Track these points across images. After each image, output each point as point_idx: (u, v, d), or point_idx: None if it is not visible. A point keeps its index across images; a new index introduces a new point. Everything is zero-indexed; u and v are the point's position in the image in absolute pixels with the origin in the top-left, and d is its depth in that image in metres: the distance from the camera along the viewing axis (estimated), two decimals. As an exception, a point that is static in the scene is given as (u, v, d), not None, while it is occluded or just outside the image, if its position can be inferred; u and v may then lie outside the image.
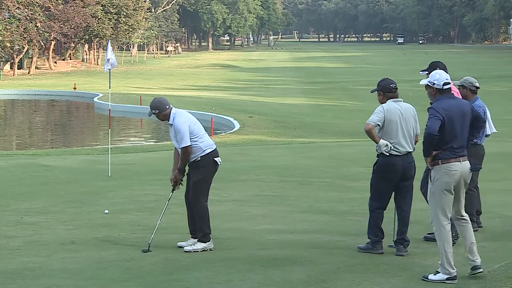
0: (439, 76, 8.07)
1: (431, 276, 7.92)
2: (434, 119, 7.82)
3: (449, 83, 8.09)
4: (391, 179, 8.96)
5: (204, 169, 9.17)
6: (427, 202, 9.13)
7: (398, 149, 8.98)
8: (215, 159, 9.26)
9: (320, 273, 8.16)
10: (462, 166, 8.01)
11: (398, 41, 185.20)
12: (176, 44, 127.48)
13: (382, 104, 9.12)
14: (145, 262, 8.64)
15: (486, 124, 10.69)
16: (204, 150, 9.18)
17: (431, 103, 8.03)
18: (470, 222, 8.23)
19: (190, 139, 9.10)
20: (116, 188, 14.60)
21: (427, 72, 9.98)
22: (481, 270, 7.95)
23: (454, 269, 7.87)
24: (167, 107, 9.24)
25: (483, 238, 10.00)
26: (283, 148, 22.33)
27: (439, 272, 7.92)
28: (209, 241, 9.13)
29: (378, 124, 8.97)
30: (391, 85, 9.18)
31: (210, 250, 9.10)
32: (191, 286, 7.72)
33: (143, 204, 12.74)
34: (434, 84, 8.05)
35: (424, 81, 8.19)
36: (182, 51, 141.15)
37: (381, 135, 8.99)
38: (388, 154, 8.92)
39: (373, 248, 9.02)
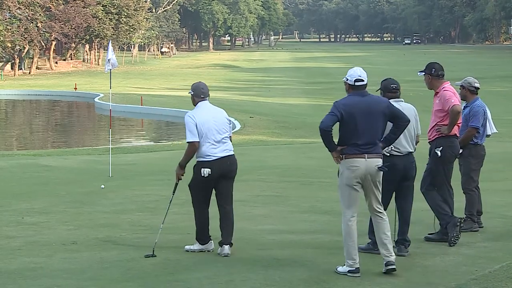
0: (353, 73, 8.26)
1: (339, 268, 8.15)
2: (330, 115, 8.10)
3: (362, 80, 8.22)
4: (392, 179, 8.96)
5: (194, 176, 8.96)
6: (427, 201, 9.17)
7: (399, 149, 8.99)
8: (202, 169, 8.76)
9: (321, 273, 8.16)
10: (367, 163, 8.07)
11: (405, 41, 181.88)
12: (171, 45, 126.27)
13: None
14: (146, 262, 8.64)
15: (487, 124, 10.69)
16: (198, 158, 8.87)
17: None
18: (387, 218, 8.35)
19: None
20: (117, 188, 14.61)
21: (424, 73, 10.02)
22: (393, 266, 8.07)
23: (355, 261, 8.06)
24: (201, 96, 8.88)
25: (484, 239, 10.01)
26: (284, 148, 22.33)
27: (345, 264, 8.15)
28: (206, 243, 9.09)
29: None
30: (391, 85, 9.19)
31: (208, 251, 9.08)
32: (192, 286, 7.72)
33: (144, 204, 12.74)
34: (347, 80, 8.27)
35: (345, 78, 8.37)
36: (180, 51, 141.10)
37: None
38: (388, 154, 8.92)
39: (374, 248, 9.03)
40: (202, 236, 9.08)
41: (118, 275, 8.12)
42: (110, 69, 16.93)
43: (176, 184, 9.20)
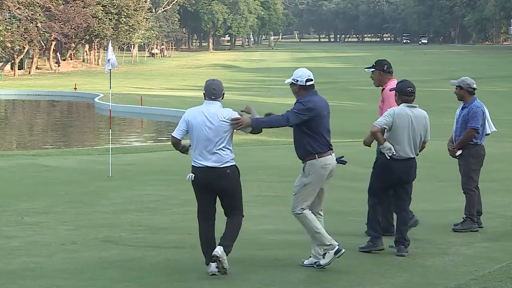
0: (301, 73, 8.28)
1: (322, 261, 8.19)
2: (297, 114, 8.12)
3: (312, 79, 8.31)
4: (387, 180, 9.05)
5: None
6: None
7: (400, 155, 8.99)
8: (189, 175, 8.11)
9: (320, 274, 8.16)
10: (333, 159, 8.36)
11: (422, 41, 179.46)
12: (162, 47, 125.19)
13: (394, 108, 9.07)
14: (146, 262, 8.64)
15: (486, 123, 10.69)
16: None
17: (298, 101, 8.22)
18: (322, 217, 8.52)
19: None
20: (116, 188, 14.60)
21: (372, 69, 9.97)
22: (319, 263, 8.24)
23: (331, 242, 8.19)
24: (212, 97, 8.06)
25: (484, 239, 10.01)
26: (283, 148, 22.29)
27: (325, 253, 8.20)
28: (207, 262, 8.20)
29: (385, 128, 8.94)
30: (408, 88, 9.08)
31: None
32: (192, 286, 7.71)
33: (143, 205, 12.73)
34: (297, 81, 8.25)
35: (288, 80, 8.33)
36: (180, 51, 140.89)
37: (387, 138, 8.98)
38: (389, 157, 8.93)
39: (373, 244, 9.03)
40: (203, 252, 8.23)
41: (118, 275, 8.12)
42: (110, 69, 16.92)
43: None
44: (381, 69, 9.87)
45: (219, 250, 7.91)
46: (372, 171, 9.26)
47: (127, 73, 78.44)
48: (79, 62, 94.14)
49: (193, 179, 8.06)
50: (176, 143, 8.26)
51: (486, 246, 9.58)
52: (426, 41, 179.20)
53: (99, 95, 49.03)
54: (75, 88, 55.71)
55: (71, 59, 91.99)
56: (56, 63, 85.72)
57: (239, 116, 8.07)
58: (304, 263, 8.46)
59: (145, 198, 13.47)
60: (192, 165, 8.10)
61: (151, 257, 8.83)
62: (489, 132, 10.83)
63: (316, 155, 8.22)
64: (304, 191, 8.30)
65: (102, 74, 68.98)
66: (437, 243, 9.61)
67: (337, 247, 8.20)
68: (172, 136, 8.27)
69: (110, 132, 19.45)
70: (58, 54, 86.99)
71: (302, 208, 8.29)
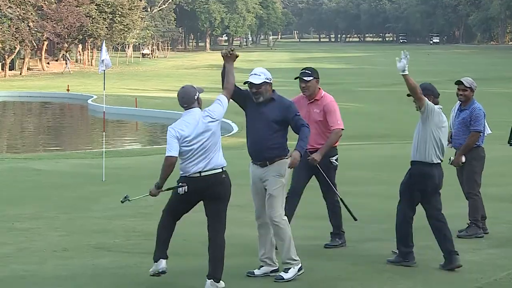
0: (268, 71, 8.43)
1: (285, 275, 8.12)
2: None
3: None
4: (426, 188, 8.76)
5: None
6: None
7: (440, 158, 8.81)
8: (181, 188, 7.93)
9: (320, 281, 8.15)
10: None
11: (434, 40, 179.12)
12: (153, 47, 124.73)
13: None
14: (141, 269, 8.61)
15: (486, 125, 10.71)
16: (180, 173, 8.07)
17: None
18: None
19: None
20: (110, 193, 14.58)
21: (312, 77, 9.77)
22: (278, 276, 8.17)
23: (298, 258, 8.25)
24: (184, 105, 8.01)
25: (489, 245, 10.00)
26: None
27: (289, 268, 8.13)
28: (156, 262, 7.93)
29: (423, 107, 8.68)
30: (437, 90, 9.12)
31: (157, 273, 7.98)
32: (188, 294, 7.70)
33: (138, 210, 12.71)
34: (271, 80, 8.38)
35: (259, 80, 8.31)
36: (176, 51, 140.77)
37: (422, 134, 8.79)
38: (432, 162, 8.72)
39: (404, 259, 8.78)
40: (156, 250, 8.01)
41: (112, 283, 8.10)
42: (104, 70, 16.92)
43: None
44: (318, 78, 9.74)
45: (211, 286, 7.74)
46: (406, 183, 8.90)
47: (122, 74, 78.43)
48: (72, 62, 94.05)
49: (186, 190, 7.88)
50: (174, 164, 7.94)
51: (492, 252, 9.56)
52: (437, 40, 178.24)
53: (92, 96, 49.05)
54: (68, 90, 55.69)
55: (63, 60, 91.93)
56: (65, 61, 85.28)
57: (290, 160, 8.26)
58: (256, 273, 8.30)
59: (140, 203, 13.43)
60: (185, 176, 7.92)
61: (146, 264, 8.80)
62: (489, 133, 10.87)
63: (287, 155, 8.35)
64: (283, 193, 8.35)
65: (95, 75, 68.98)
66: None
67: (300, 264, 8.23)
68: (170, 156, 7.90)
69: (104, 134, 19.44)
70: (67, 54, 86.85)
71: (284, 214, 8.28)
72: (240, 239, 9.85)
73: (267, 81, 8.31)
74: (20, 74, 78.86)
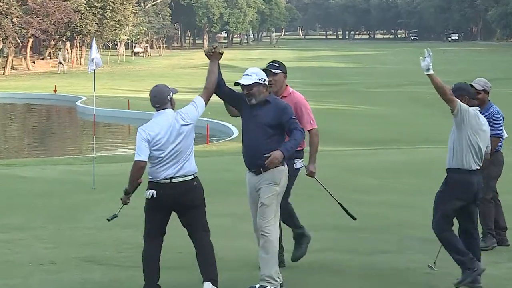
0: (262, 71, 8.39)
1: None
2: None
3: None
4: (463, 198, 8.60)
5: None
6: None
7: (479, 164, 8.68)
8: (149, 191, 8.02)
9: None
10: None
11: (452, 37, 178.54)
12: (146, 45, 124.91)
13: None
14: (133, 284, 8.61)
15: (503, 128, 10.70)
16: (149, 178, 8.10)
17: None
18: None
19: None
20: (101, 201, 14.57)
21: (279, 71, 9.25)
22: None
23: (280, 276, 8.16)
24: (156, 105, 8.25)
25: (509, 258, 9.98)
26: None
27: (266, 287, 8.08)
28: None
29: (457, 108, 8.47)
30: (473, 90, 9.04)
31: None
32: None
33: (130, 220, 12.69)
34: (265, 80, 8.31)
35: (250, 80, 8.24)
36: (172, 49, 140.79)
37: (457, 139, 8.62)
38: (471, 169, 8.58)
39: (473, 268, 8.39)
40: (145, 277, 8.05)
41: (102, 299, 8.09)
42: (94, 69, 16.93)
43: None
44: (286, 73, 9.37)
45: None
46: (442, 192, 8.76)
47: (113, 73, 78.49)
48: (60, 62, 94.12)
49: (155, 195, 7.91)
50: (143, 168, 7.95)
51: (513, 266, 9.56)
52: (456, 37, 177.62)
53: (81, 98, 49.04)
54: (55, 90, 55.70)
55: (50, 58, 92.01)
56: (59, 63, 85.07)
57: (269, 155, 8.07)
58: None
59: (132, 212, 13.42)
60: (153, 182, 7.95)
61: (138, 278, 8.78)
62: (506, 136, 10.88)
63: (285, 161, 8.27)
64: (277, 203, 8.25)
65: (85, 74, 69.01)
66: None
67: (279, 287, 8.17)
68: (139, 161, 7.92)
69: (94, 139, 19.43)
70: (60, 52, 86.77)
71: (278, 225, 8.23)
72: (240, 251, 9.83)
73: (259, 81, 8.23)
74: (3, 73, 78.88)
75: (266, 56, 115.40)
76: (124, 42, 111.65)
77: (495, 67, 76.19)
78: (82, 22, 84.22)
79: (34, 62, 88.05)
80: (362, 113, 40.47)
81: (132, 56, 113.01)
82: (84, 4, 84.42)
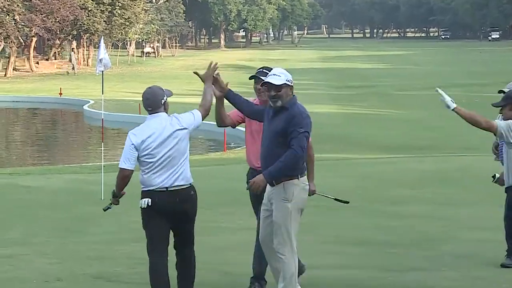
0: (286, 71, 8.21)
1: None
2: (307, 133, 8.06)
3: None
4: None
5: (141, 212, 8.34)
6: None
7: None
8: (144, 200, 8.26)
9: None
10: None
11: (493, 36, 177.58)
12: (157, 45, 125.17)
13: None
14: (145, 302, 8.63)
15: None
16: (142, 187, 8.29)
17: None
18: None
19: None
20: (109, 213, 14.57)
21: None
22: None
23: None
24: (148, 108, 8.30)
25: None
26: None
27: None
28: None
29: (500, 132, 8.71)
30: None
31: None
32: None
33: (142, 233, 12.71)
34: (291, 81, 8.14)
35: (280, 81, 8.05)
36: (186, 48, 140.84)
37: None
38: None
39: None
40: None
41: (111, 318, 8.12)
42: (102, 71, 16.99)
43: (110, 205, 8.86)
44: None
45: None
46: (508, 216, 8.92)
47: (123, 75, 78.70)
48: (65, 62, 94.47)
49: (149, 204, 8.00)
50: (128, 177, 8.16)
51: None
52: (497, 36, 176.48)
53: (89, 101, 49.21)
54: (61, 94, 55.91)
55: (55, 59, 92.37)
56: (71, 63, 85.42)
57: (252, 181, 8.03)
58: None
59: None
60: (147, 190, 8.11)
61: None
62: None
63: (299, 174, 8.09)
64: (291, 222, 8.04)
65: (92, 76, 69.18)
66: (493, 280, 9.51)
67: None
68: (124, 169, 8.16)
69: (103, 146, 19.49)
70: (72, 53, 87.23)
71: (294, 245, 8.11)
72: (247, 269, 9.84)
73: (288, 83, 8.12)
74: (5, 75, 79.21)
75: (287, 57, 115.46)
76: (134, 41, 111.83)
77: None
78: (90, 19, 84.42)
79: (38, 63, 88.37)
80: (390, 117, 40.41)
81: (142, 56, 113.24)
82: (92, 1, 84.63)
